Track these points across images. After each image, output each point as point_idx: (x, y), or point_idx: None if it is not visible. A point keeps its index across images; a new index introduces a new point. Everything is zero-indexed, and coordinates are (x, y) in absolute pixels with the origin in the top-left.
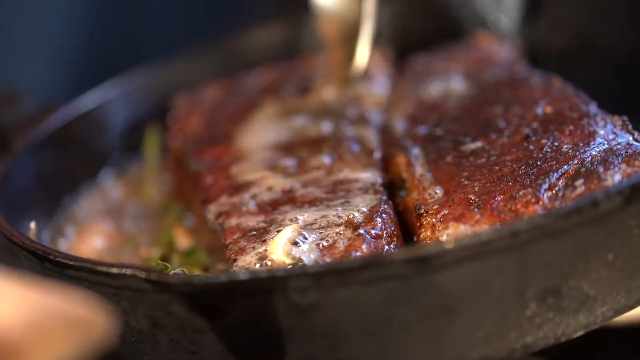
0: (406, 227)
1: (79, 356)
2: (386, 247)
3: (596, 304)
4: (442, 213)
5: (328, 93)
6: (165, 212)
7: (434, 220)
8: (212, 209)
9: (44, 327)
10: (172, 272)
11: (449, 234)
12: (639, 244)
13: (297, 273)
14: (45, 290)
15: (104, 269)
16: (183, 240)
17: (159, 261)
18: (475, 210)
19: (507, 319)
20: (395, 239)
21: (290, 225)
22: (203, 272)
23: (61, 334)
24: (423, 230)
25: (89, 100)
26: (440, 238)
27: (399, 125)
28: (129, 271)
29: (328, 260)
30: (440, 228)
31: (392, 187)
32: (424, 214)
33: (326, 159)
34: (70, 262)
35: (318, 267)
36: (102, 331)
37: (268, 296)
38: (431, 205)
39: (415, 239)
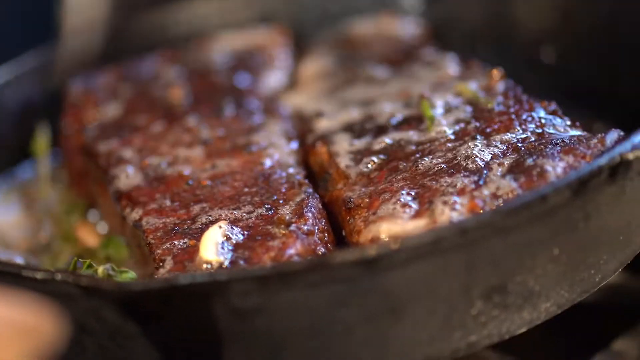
0: (333, 219)
1: None
2: (318, 243)
3: (540, 300)
4: (375, 207)
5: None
6: (68, 211)
7: (365, 214)
8: (129, 206)
9: None
10: (102, 268)
11: (385, 229)
12: (584, 237)
13: (240, 276)
14: None
15: (30, 273)
16: (90, 239)
17: (81, 259)
18: (411, 204)
19: (452, 318)
20: (326, 235)
21: (217, 222)
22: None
23: (11, 341)
24: (354, 224)
25: None
26: (375, 234)
27: (312, 110)
28: (58, 276)
29: (265, 260)
30: (374, 223)
31: (314, 178)
32: (354, 208)
33: (243, 151)
34: None
35: (262, 269)
36: (51, 337)
37: (208, 301)
38: (361, 197)
39: (344, 232)
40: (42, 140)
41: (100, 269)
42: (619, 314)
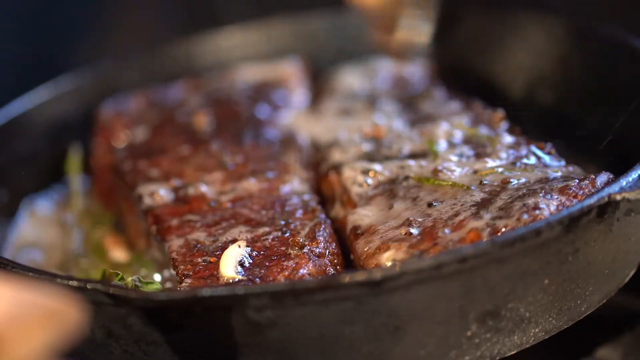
0: (342, 243)
1: (56, 345)
2: (329, 265)
3: (530, 325)
4: (381, 234)
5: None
6: (96, 224)
7: (372, 241)
8: (156, 223)
9: (22, 320)
10: (130, 279)
11: (389, 256)
12: (572, 269)
13: (257, 291)
14: (22, 283)
15: (64, 281)
16: (117, 251)
17: (112, 271)
18: (414, 232)
19: (449, 338)
20: (336, 258)
21: (236, 242)
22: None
23: (39, 325)
24: (361, 250)
25: (18, 105)
26: (380, 259)
27: (327, 140)
28: (89, 285)
29: (279, 278)
30: (380, 249)
31: (325, 203)
32: (363, 233)
33: (261, 177)
34: (29, 274)
35: (277, 286)
36: (76, 321)
37: (226, 313)
38: (369, 225)
39: (352, 256)
40: (74, 160)
41: (129, 280)
42: (604, 326)
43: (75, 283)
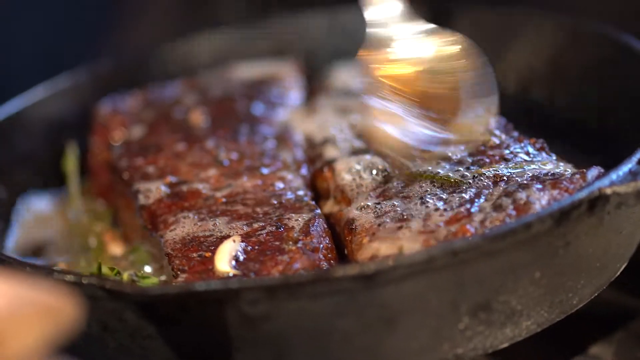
0: (336, 238)
1: (52, 340)
2: (322, 259)
3: (522, 318)
4: (374, 229)
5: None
6: (94, 221)
7: (366, 234)
8: (151, 219)
9: (19, 315)
10: (127, 273)
11: (382, 250)
12: (563, 263)
13: (251, 285)
14: (18, 280)
15: (60, 276)
16: (114, 246)
17: (107, 267)
18: (407, 227)
19: (441, 331)
20: (330, 252)
21: (230, 237)
22: (149, 278)
23: (35, 320)
24: (355, 244)
25: (16, 103)
26: (373, 253)
27: (321, 137)
28: (85, 279)
29: (274, 273)
30: (373, 242)
31: (319, 199)
32: (356, 229)
33: (256, 173)
34: (26, 269)
35: (270, 280)
36: (72, 316)
37: (220, 307)
38: (363, 220)
39: (346, 251)
40: (72, 158)
41: (125, 275)
42: (597, 323)
43: (71, 278)
